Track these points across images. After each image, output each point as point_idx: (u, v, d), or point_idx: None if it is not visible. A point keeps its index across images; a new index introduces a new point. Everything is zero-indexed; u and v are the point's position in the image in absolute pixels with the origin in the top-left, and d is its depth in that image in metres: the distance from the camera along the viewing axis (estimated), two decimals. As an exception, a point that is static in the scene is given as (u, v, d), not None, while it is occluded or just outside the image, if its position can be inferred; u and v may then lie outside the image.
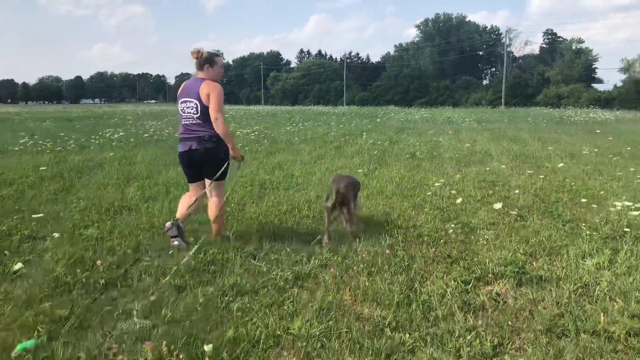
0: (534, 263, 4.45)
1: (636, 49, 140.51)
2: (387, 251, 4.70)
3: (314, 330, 3.15)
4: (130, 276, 4.05)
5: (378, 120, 28.67)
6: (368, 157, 11.73)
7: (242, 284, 3.90)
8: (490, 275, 4.12)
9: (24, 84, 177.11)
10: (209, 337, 3.06)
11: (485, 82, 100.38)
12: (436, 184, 8.14)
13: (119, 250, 4.67)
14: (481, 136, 17.68)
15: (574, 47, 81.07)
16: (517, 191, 7.59)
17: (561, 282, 4.00)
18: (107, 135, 14.78)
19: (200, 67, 4.92)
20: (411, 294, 3.75)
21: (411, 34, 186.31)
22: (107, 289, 3.79)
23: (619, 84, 69.71)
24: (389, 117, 33.61)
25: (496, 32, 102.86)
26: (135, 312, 3.40)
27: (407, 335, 3.12)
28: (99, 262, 4.27)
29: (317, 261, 4.43)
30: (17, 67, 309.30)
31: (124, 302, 3.57)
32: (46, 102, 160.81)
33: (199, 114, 4.81)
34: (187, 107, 4.87)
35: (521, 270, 4.15)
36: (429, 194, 7.38)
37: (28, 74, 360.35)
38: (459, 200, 6.89)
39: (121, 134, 16.05)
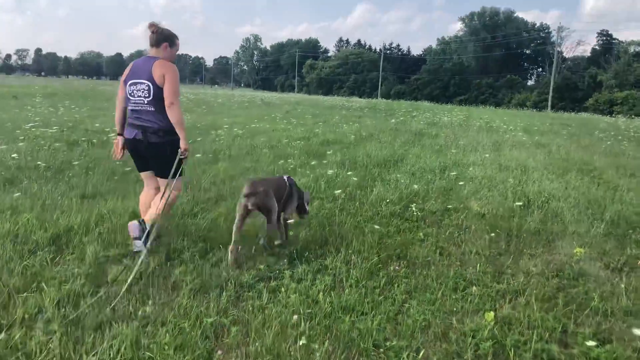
0: None
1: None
2: None
3: None
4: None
5: (393, 121, 22.14)
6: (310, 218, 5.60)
7: None
8: None
9: (66, 58, 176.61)
10: None
11: (530, 82, 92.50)
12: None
13: None
14: (534, 160, 11.29)
15: (631, 50, 72.69)
16: None
17: None
18: None
19: (157, 44, 4.14)
20: None
21: (456, 28, 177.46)
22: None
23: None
24: (413, 115, 27.31)
25: (545, 30, 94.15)
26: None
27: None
28: None
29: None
30: (63, 42, 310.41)
31: None
32: (85, 77, 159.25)
33: (151, 97, 4.01)
34: (137, 90, 4.05)
35: None
36: None
37: (71, 49, 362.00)
38: None
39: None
